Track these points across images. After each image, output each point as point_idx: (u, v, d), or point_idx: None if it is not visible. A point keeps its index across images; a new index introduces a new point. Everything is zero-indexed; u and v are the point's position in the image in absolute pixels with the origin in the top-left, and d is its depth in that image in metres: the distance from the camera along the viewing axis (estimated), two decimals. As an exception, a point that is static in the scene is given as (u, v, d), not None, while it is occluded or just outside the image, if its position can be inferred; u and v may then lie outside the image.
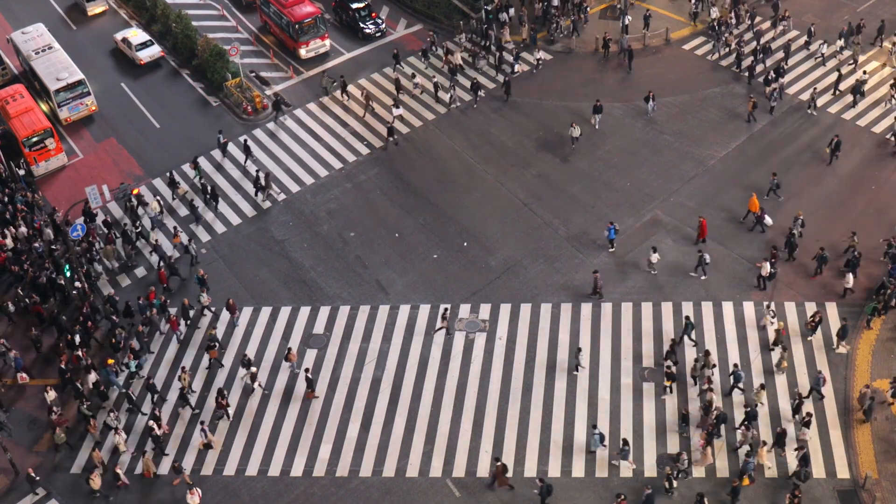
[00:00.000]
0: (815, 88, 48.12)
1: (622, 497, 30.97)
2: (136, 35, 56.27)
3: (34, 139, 47.56)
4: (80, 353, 37.44)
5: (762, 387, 34.38)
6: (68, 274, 40.82)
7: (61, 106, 50.93)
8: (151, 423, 34.92)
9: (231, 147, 48.54)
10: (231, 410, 36.15)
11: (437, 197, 44.90)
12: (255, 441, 35.42)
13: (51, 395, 36.00)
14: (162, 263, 41.71)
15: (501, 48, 52.77)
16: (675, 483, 32.01)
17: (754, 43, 52.32)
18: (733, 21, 53.70)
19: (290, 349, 37.58)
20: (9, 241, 42.66)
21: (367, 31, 55.97)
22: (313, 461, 34.52)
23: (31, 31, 54.82)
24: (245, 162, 47.53)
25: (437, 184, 45.59)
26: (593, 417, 34.83)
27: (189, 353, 38.67)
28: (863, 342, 36.68)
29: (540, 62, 51.97)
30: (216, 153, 48.42)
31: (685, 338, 36.80)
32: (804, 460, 31.85)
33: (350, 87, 51.75)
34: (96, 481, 33.17)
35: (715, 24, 53.02)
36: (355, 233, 43.37)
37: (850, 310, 37.74)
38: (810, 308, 37.85)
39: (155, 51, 55.73)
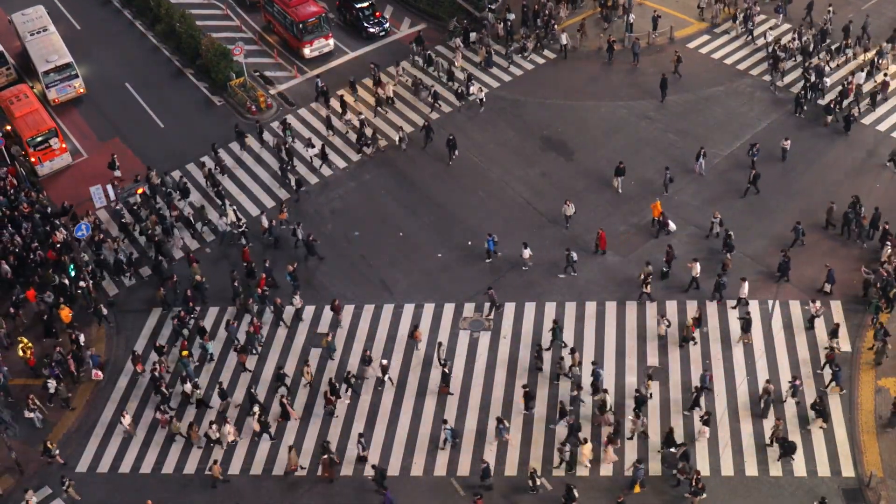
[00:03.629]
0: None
1: (479, 497, 31.58)
2: None
3: (38, 139, 47.66)
4: (160, 362, 37.48)
5: (649, 377, 34.82)
6: (73, 273, 40.90)
7: (49, 87, 52.26)
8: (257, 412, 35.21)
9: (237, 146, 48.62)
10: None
11: (441, 196, 44.91)
12: (260, 440, 35.50)
13: (126, 419, 35.43)
14: (271, 238, 42.69)
15: (451, 74, 51.11)
16: (538, 481, 32.32)
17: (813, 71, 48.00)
18: (795, 44, 50.21)
19: (415, 327, 37.69)
20: (60, 237, 43.12)
21: (371, 30, 55.94)
22: (317, 460, 34.52)
23: (30, 12, 55.65)
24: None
25: (441, 183, 45.58)
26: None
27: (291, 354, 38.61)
28: (867, 341, 36.59)
29: (483, 101, 48.98)
30: (234, 146, 48.65)
31: (555, 342, 37.03)
32: (685, 456, 32.15)
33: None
34: None
35: (775, 48, 49.89)
36: (359, 232, 43.38)
37: (855, 307, 37.78)
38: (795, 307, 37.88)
39: None
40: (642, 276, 38.57)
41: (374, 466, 33.08)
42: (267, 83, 53.27)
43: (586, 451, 33.06)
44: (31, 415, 36.01)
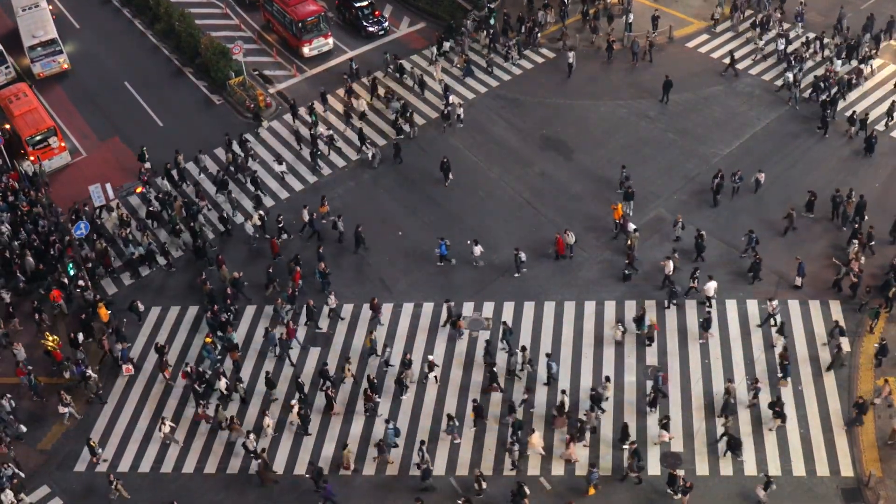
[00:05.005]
0: None
1: (419, 500, 31.68)
2: None
3: (38, 138, 47.64)
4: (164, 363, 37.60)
5: (607, 379, 34.88)
6: (72, 272, 40.89)
7: (34, 62, 53.95)
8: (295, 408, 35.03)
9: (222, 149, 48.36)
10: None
11: (440, 195, 44.87)
12: (259, 439, 35.51)
13: (166, 427, 35.19)
14: (308, 231, 42.72)
15: (423, 85, 50.59)
16: (484, 485, 32.29)
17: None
18: (807, 55, 49.53)
19: (458, 317, 37.70)
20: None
21: (370, 29, 55.94)
22: (317, 458, 34.56)
23: None
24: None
25: (440, 182, 45.51)
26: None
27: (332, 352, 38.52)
28: (866, 342, 36.61)
29: (460, 117, 48.07)
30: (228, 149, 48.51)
31: (505, 341, 36.99)
32: (636, 454, 32.23)
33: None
34: None
35: (791, 57, 49.27)
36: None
37: (854, 307, 37.80)
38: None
39: None
40: (630, 242, 39.51)
41: (311, 463, 33.23)
42: (266, 82, 53.24)
43: (535, 439, 33.30)
44: (65, 409, 36.10)
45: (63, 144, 48.66)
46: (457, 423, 34.22)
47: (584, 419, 33.83)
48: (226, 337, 38.20)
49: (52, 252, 42.27)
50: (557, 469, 33.42)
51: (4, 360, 39.06)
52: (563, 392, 34.77)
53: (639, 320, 37.02)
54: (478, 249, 40.34)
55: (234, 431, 35.13)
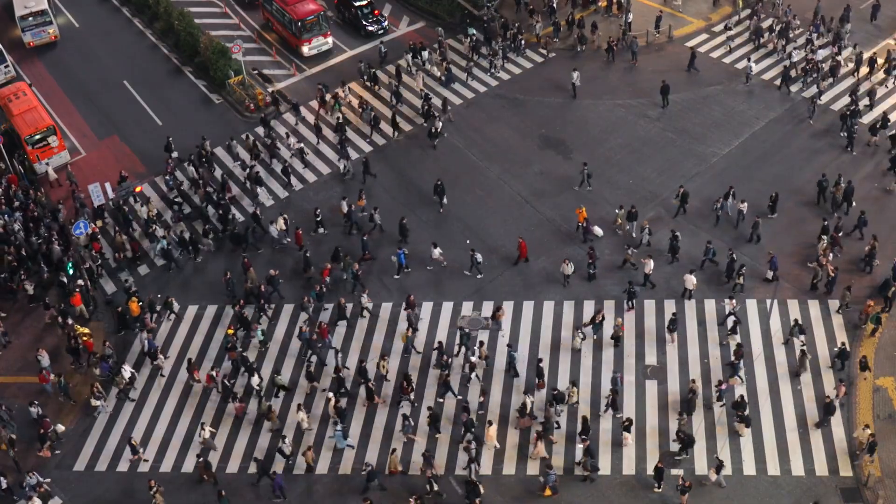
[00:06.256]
0: None
1: (366, 500, 31.83)
2: None
3: (37, 137, 47.62)
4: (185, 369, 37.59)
5: (573, 384, 34.93)
6: (71, 272, 40.87)
7: (25, 31, 56.22)
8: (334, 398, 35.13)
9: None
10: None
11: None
12: (258, 437, 35.49)
13: (206, 431, 34.65)
14: (350, 225, 42.98)
15: (399, 95, 49.91)
16: (435, 486, 32.32)
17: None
18: (824, 66, 48.56)
19: (499, 308, 37.89)
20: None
21: (370, 28, 55.94)
22: (316, 457, 34.55)
23: None
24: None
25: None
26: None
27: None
28: (866, 342, 36.66)
29: (442, 132, 47.37)
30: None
31: (463, 346, 37.18)
32: (588, 452, 32.41)
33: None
34: None
35: (806, 67, 48.64)
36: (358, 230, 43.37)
37: (852, 309, 37.83)
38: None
39: None
40: (619, 221, 41.03)
41: (255, 459, 33.44)
42: (266, 81, 53.24)
43: (491, 432, 33.47)
44: (98, 402, 36.18)
45: (62, 143, 48.63)
46: (412, 423, 34.32)
47: (547, 417, 33.96)
48: (249, 334, 38.35)
49: (69, 247, 42.46)
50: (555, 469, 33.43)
51: (3, 359, 39.10)
52: (525, 393, 34.86)
53: (595, 324, 36.97)
54: (436, 252, 40.29)
55: (272, 421, 35.25)
